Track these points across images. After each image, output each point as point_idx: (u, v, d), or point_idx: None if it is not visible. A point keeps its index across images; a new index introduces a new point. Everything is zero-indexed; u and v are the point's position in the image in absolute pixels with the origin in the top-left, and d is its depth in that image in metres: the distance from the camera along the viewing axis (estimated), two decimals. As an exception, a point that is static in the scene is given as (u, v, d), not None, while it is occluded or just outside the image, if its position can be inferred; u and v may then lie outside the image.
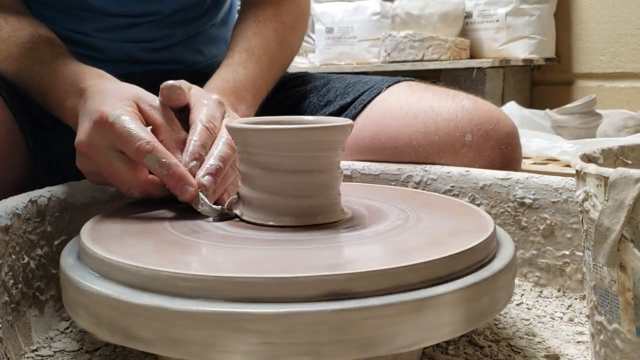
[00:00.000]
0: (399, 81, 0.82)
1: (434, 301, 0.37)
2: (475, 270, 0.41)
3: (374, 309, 0.36)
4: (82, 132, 0.54)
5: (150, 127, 0.54)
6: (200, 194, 0.51)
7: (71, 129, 0.63)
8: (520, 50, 2.19)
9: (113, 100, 0.54)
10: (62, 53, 0.70)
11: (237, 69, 0.74)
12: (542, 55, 2.22)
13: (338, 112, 0.80)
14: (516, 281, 0.53)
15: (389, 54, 2.23)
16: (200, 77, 0.70)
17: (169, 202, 0.54)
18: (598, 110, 1.83)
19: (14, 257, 0.52)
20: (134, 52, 0.85)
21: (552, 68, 2.32)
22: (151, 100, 0.56)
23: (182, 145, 0.54)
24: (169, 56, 0.88)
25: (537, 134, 1.70)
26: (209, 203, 0.50)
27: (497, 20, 2.22)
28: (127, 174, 0.53)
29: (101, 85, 0.60)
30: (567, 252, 0.62)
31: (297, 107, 0.84)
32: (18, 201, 0.54)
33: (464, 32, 2.31)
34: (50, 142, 0.73)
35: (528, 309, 0.60)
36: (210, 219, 0.50)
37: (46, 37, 0.72)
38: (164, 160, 0.51)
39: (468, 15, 2.30)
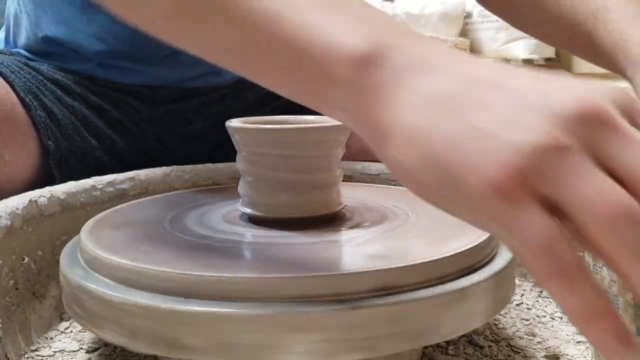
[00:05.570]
0: None
1: (472, 290, 0.39)
2: (480, 268, 0.42)
3: (424, 301, 0.36)
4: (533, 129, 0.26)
5: None
6: None
7: (82, 124, 0.59)
8: (520, 50, 2.19)
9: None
10: None
11: None
12: (542, 55, 2.22)
13: None
14: (516, 281, 0.53)
15: (389, 54, 2.23)
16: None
17: (169, 203, 0.54)
18: (598, 110, 1.83)
19: (14, 257, 0.52)
20: None
21: (552, 68, 2.32)
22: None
23: None
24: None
25: (537, 134, 1.70)
26: None
27: (497, 20, 2.22)
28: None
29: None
30: (567, 252, 0.62)
31: (295, 106, 0.83)
32: (18, 201, 0.54)
33: (464, 32, 2.31)
34: (60, 138, 0.71)
35: (528, 309, 0.60)
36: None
37: None
38: None
39: (468, 15, 2.30)
